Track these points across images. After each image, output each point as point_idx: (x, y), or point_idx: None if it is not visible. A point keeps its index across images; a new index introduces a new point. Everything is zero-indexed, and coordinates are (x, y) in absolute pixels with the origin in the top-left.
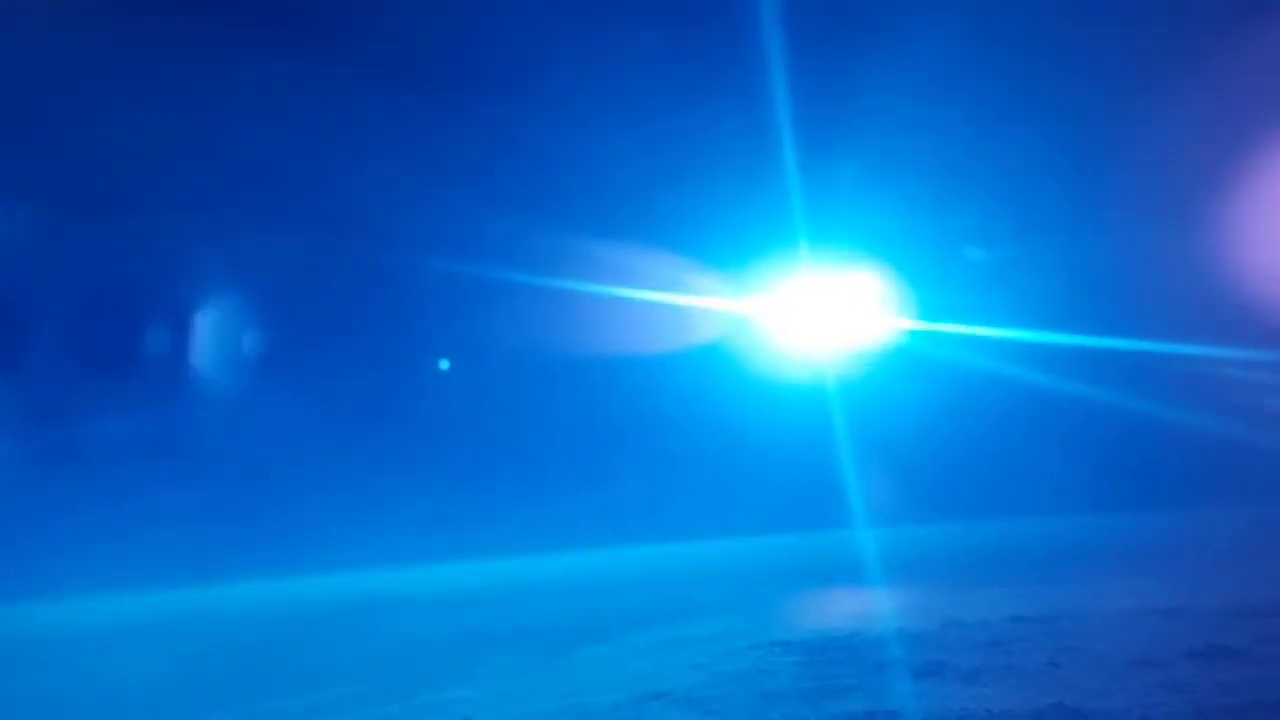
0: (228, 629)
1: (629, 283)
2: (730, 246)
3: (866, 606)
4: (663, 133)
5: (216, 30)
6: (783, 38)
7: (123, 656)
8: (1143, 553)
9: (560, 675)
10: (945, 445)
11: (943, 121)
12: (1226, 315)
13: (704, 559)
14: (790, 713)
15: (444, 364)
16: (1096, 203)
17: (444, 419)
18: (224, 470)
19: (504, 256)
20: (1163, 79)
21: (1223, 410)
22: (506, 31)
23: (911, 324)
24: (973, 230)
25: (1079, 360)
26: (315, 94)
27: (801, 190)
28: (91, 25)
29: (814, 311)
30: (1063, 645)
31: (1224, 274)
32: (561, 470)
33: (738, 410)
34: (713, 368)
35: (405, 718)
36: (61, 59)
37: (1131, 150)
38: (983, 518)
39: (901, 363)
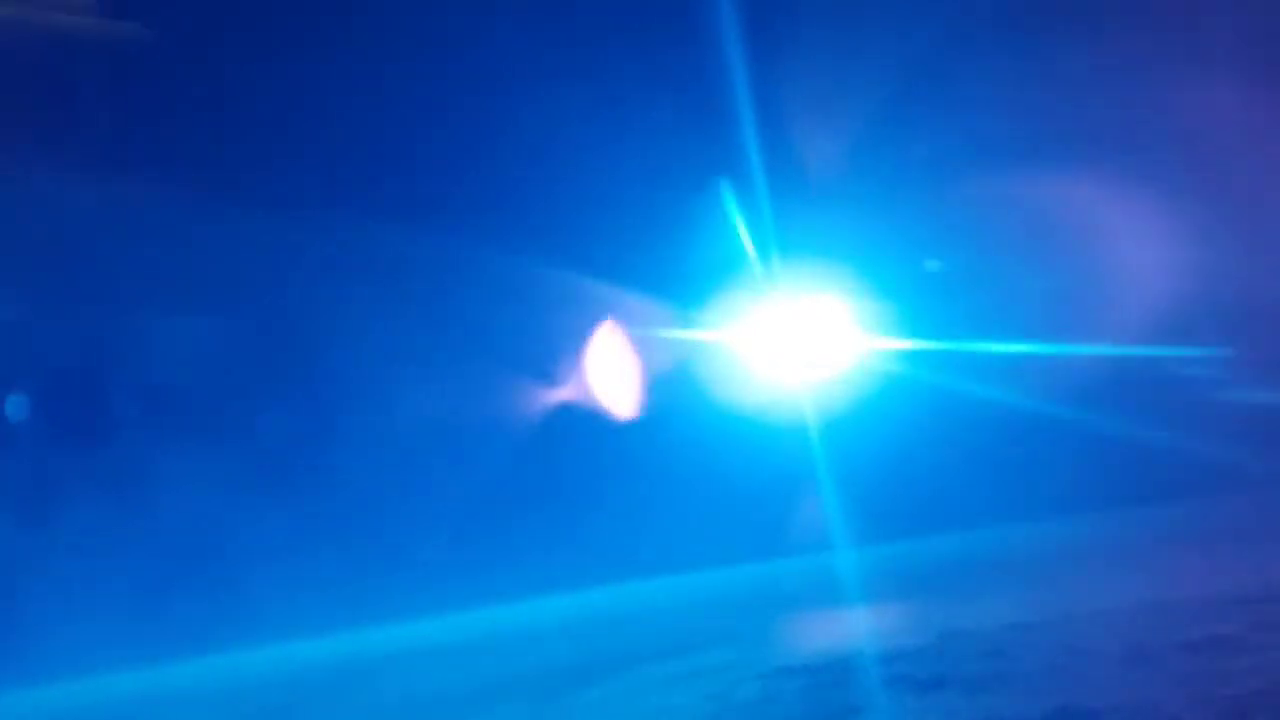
0: (214, 702)
1: (613, 317)
2: (697, 272)
3: (864, 626)
4: (618, 146)
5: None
6: (747, 47)
7: None
8: (1128, 550)
9: (570, 717)
10: (925, 459)
11: (913, 136)
12: (1196, 314)
13: (695, 591)
14: None
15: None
16: (1069, 213)
17: (424, 467)
18: (195, 535)
19: (460, 290)
20: (1135, 84)
21: (1196, 408)
22: (452, 60)
23: (882, 341)
24: (943, 245)
25: (1052, 366)
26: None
27: (768, 212)
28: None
29: (788, 334)
30: (1061, 647)
31: (1191, 276)
32: (542, 511)
33: (718, 438)
34: (689, 395)
35: None
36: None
37: (1102, 161)
38: (969, 529)
39: (876, 380)
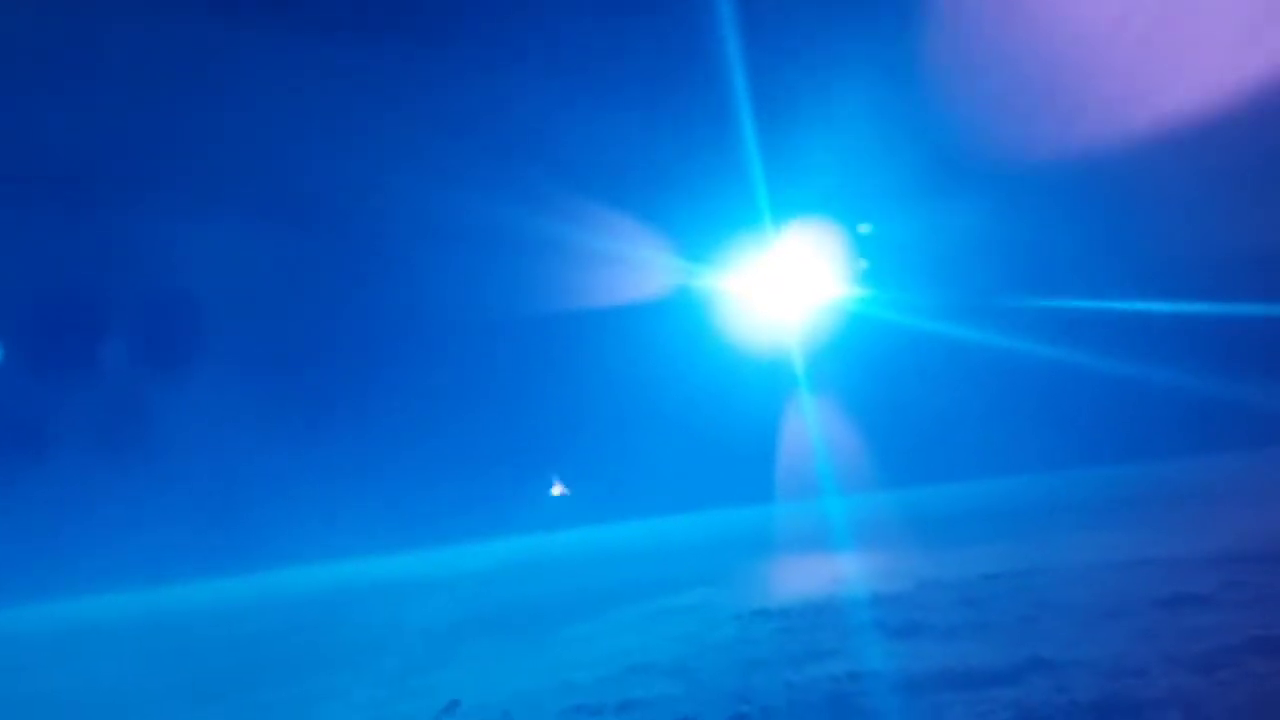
0: (215, 624)
1: (598, 264)
2: (689, 223)
3: (842, 572)
4: (625, 114)
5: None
6: (743, 26)
7: (115, 654)
8: (1105, 508)
9: (544, 654)
10: (910, 412)
11: (899, 99)
12: (1189, 271)
13: (677, 533)
14: (774, 678)
15: (415, 348)
16: (1054, 172)
17: (414, 404)
18: (197, 465)
19: (467, 233)
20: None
21: (1180, 366)
22: (476, 17)
23: (872, 294)
24: (928, 200)
25: (1039, 322)
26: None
27: (760, 168)
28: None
29: (778, 287)
30: (1034, 600)
31: (1177, 230)
32: (531, 453)
33: (704, 387)
34: (676, 343)
35: (394, 703)
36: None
37: (1078, 123)
38: (950, 481)
39: (864, 334)
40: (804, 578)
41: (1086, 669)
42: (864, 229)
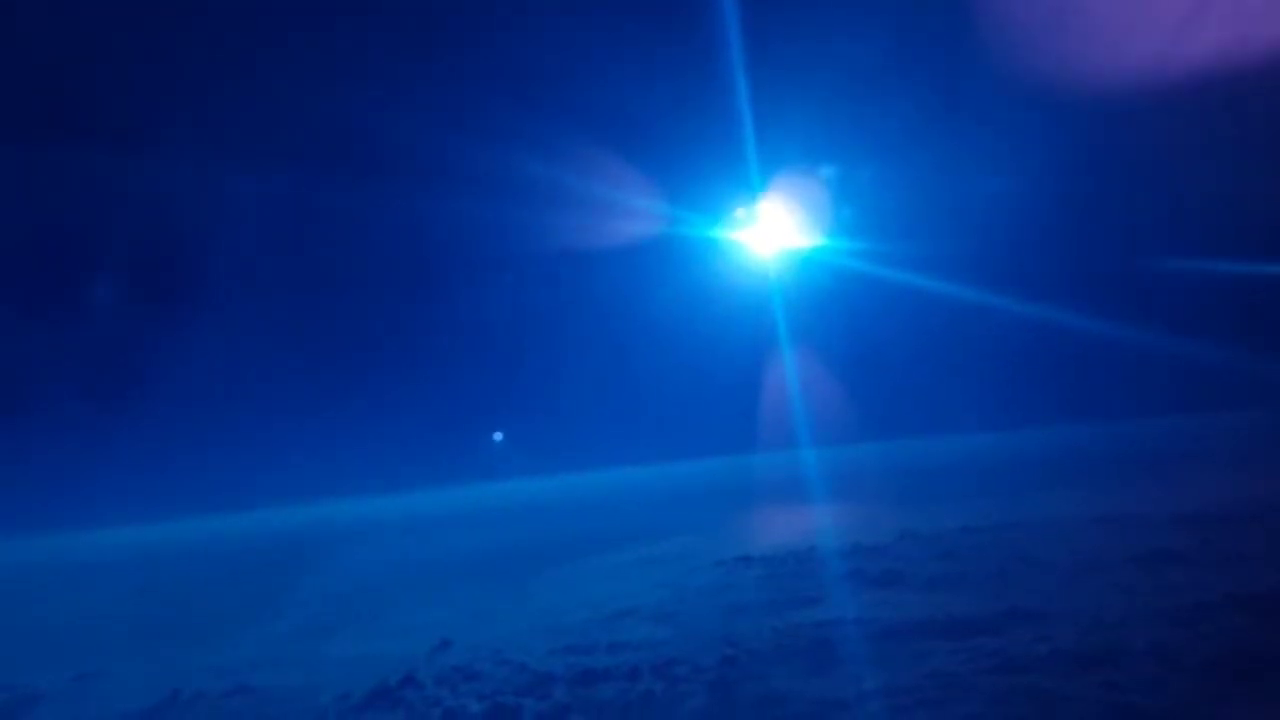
0: (204, 561)
1: (582, 209)
2: (676, 171)
3: (823, 522)
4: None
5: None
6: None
7: (125, 588)
8: (1083, 464)
9: (531, 597)
10: (892, 366)
11: (889, 52)
12: (1172, 232)
13: (662, 482)
14: (756, 623)
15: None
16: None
17: (395, 348)
18: (190, 401)
19: (448, 174)
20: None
21: (1156, 324)
22: None
23: (858, 246)
24: (916, 155)
25: (1020, 279)
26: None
27: (748, 117)
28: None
29: (763, 237)
30: (1013, 554)
31: (1157, 188)
32: (517, 399)
33: (687, 337)
34: (659, 292)
35: (381, 640)
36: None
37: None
38: (929, 434)
39: (847, 286)
40: (784, 527)
41: (1067, 620)
42: (849, 181)
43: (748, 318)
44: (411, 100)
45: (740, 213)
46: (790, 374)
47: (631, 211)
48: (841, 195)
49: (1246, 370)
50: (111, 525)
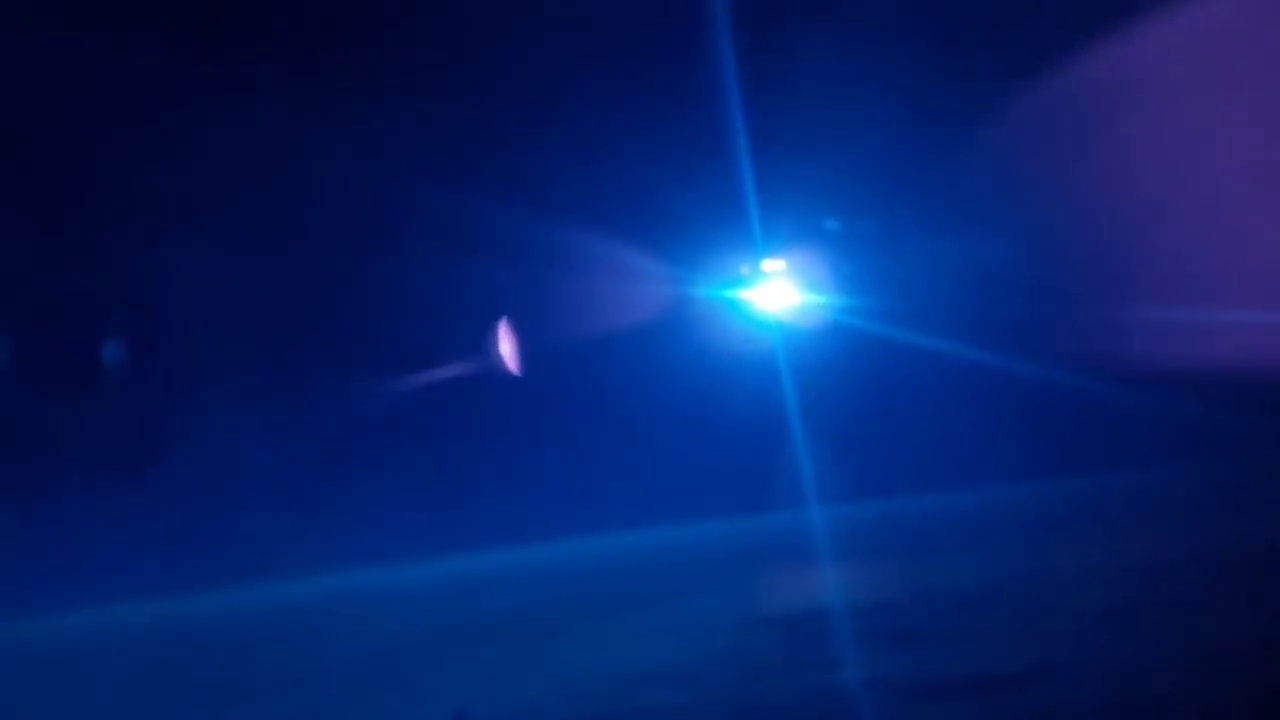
0: (217, 635)
1: (587, 273)
2: (680, 236)
3: (841, 580)
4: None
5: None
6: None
7: (127, 666)
8: (1090, 514)
9: (549, 663)
10: (899, 423)
11: (886, 115)
12: (1172, 281)
13: (678, 543)
14: (779, 685)
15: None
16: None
17: (416, 416)
18: (193, 478)
19: (461, 252)
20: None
21: (1158, 375)
22: (466, 32)
23: (864, 305)
24: (912, 217)
25: (1030, 336)
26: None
27: (751, 181)
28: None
29: (769, 297)
30: (1034, 605)
31: (1147, 243)
32: (533, 463)
33: (699, 399)
34: (671, 354)
35: (400, 710)
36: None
37: (1060, 141)
38: (940, 490)
39: (853, 344)
40: (802, 587)
41: (1094, 672)
42: (856, 239)
43: (755, 376)
44: (409, 171)
45: (746, 271)
46: (799, 432)
47: (636, 274)
48: (848, 253)
49: (1249, 418)
50: (110, 603)
